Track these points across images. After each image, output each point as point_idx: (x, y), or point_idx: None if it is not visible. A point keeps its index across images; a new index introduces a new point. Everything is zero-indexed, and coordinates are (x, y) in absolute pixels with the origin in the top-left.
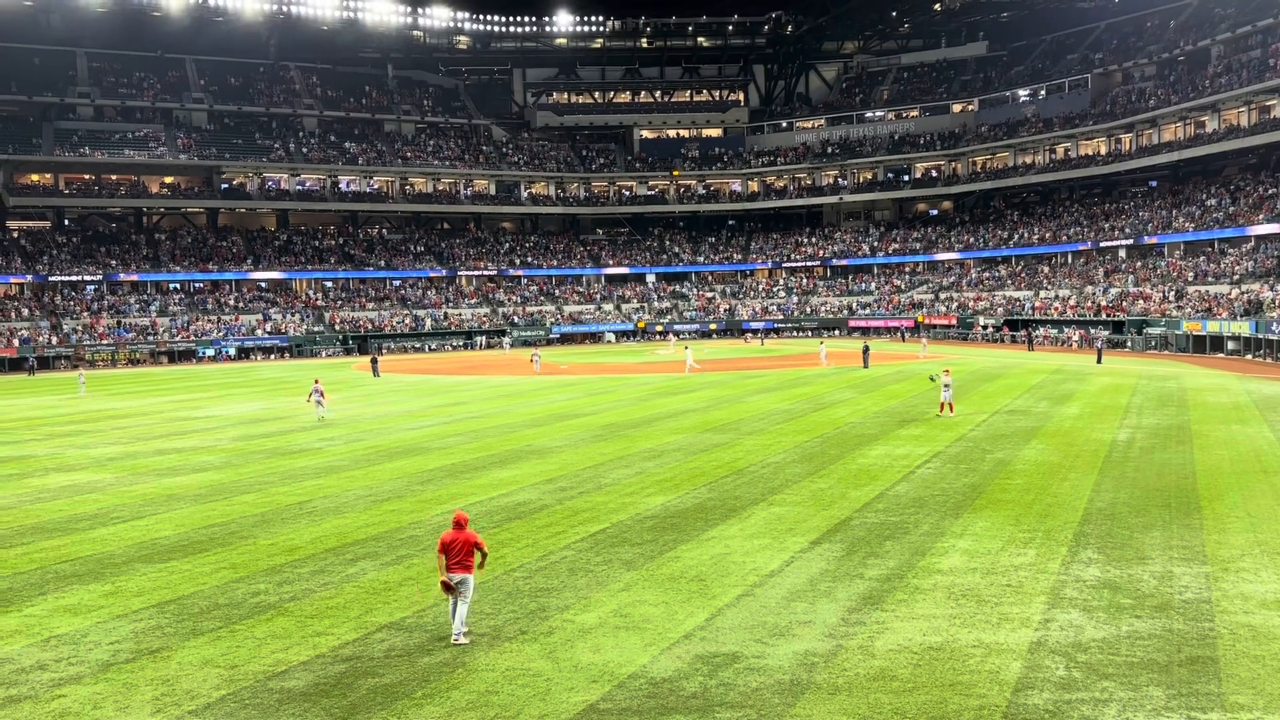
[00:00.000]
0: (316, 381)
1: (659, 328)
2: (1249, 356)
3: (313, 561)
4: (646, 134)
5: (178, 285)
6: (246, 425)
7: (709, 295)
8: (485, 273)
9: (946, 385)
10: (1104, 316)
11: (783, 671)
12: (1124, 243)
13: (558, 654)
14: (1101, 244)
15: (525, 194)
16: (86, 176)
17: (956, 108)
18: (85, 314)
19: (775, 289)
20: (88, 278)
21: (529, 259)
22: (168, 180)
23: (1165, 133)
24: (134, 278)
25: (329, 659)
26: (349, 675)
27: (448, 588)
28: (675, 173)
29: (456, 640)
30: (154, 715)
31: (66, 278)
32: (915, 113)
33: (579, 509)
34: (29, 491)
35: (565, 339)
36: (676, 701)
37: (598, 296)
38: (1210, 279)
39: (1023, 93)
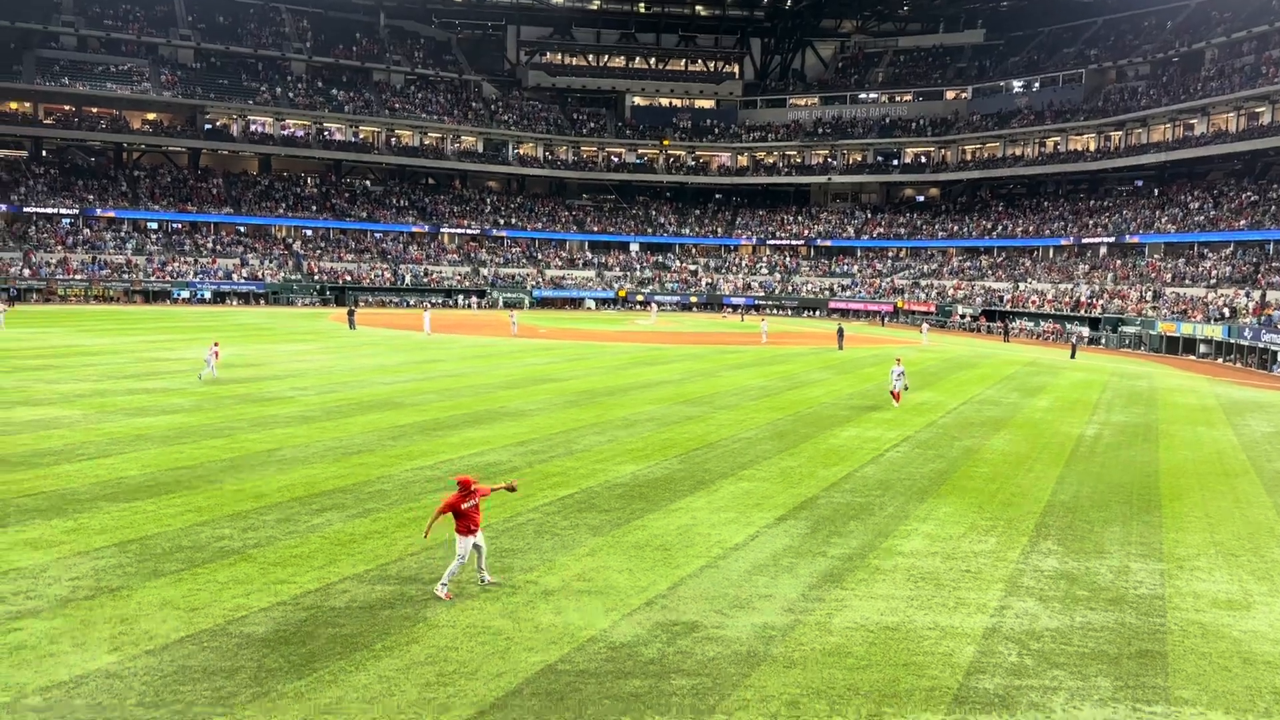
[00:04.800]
0: (215, 343)
1: (640, 297)
2: (1220, 360)
3: (279, 509)
4: (639, 101)
5: (155, 224)
6: (219, 369)
7: (691, 268)
8: (468, 231)
9: (899, 375)
10: (1081, 312)
11: (740, 643)
12: (1106, 240)
13: (519, 614)
14: (1084, 240)
15: (513, 154)
16: (67, 108)
17: (950, 94)
18: (59, 248)
19: (758, 265)
20: (64, 211)
21: (513, 220)
22: (150, 117)
23: (1154, 133)
24: (111, 214)
25: (290, 606)
26: (309, 624)
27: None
28: (665, 142)
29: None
30: (111, 653)
31: (42, 209)
32: (909, 97)
33: (549, 473)
34: None
35: (545, 303)
36: (634, 666)
37: (580, 262)
38: (1188, 281)
39: (1017, 84)
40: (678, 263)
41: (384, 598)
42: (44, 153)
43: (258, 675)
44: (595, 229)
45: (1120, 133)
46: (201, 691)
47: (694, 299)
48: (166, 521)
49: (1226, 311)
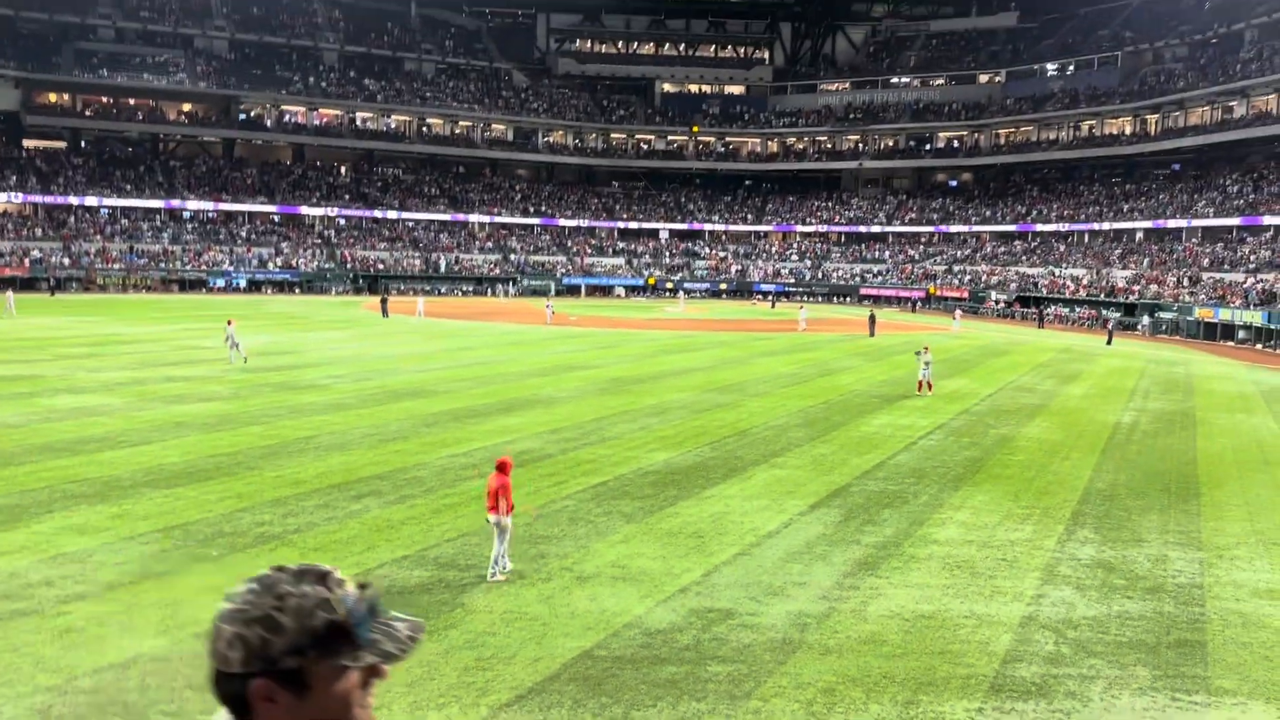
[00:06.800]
0: (229, 323)
1: (669, 285)
2: (1259, 346)
3: (317, 496)
4: (668, 87)
5: (191, 214)
6: (255, 358)
7: (721, 255)
8: (498, 219)
9: (926, 363)
10: (1117, 298)
11: (775, 630)
12: (1143, 225)
13: (555, 600)
14: (1119, 225)
15: (543, 142)
16: (105, 99)
17: (983, 78)
18: (98, 237)
19: (788, 252)
20: (103, 201)
21: (543, 208)
22: (186, 108)
23: (1192, 116)
24: (148, 203)
25: None
26: None
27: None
28: (695, 129)
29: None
30: (158, 636)
31: (81, 200)
32: (941, 81)
33: (581, 460)
34: (38, 411)
35: (575, 291)
36: (670, 652)
37: (610, 250)
38: (1226, 266)
39: (1051, 67)
40: (708, 250)
41: (422, 582)
42: (82, 143)
43: None
44: (625, 216)
45: (1157, 116)
46: None
47: (724, 286)
48: (208, 507)
49: (1265, 297)
